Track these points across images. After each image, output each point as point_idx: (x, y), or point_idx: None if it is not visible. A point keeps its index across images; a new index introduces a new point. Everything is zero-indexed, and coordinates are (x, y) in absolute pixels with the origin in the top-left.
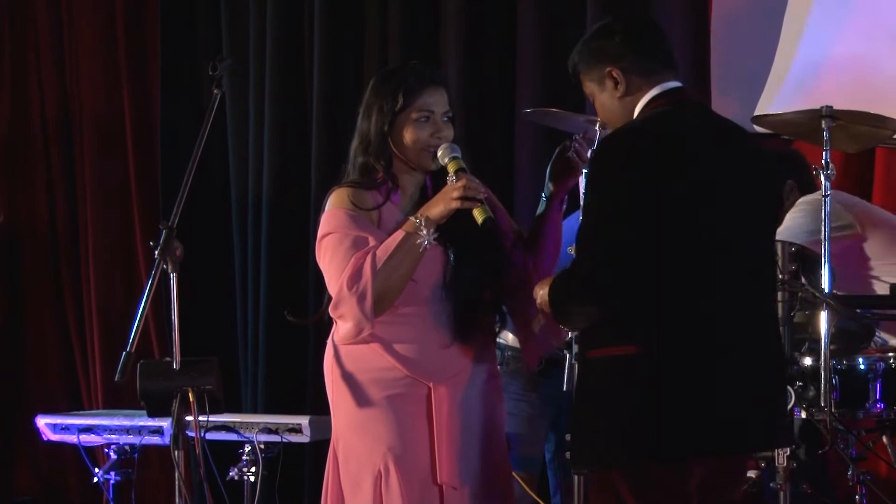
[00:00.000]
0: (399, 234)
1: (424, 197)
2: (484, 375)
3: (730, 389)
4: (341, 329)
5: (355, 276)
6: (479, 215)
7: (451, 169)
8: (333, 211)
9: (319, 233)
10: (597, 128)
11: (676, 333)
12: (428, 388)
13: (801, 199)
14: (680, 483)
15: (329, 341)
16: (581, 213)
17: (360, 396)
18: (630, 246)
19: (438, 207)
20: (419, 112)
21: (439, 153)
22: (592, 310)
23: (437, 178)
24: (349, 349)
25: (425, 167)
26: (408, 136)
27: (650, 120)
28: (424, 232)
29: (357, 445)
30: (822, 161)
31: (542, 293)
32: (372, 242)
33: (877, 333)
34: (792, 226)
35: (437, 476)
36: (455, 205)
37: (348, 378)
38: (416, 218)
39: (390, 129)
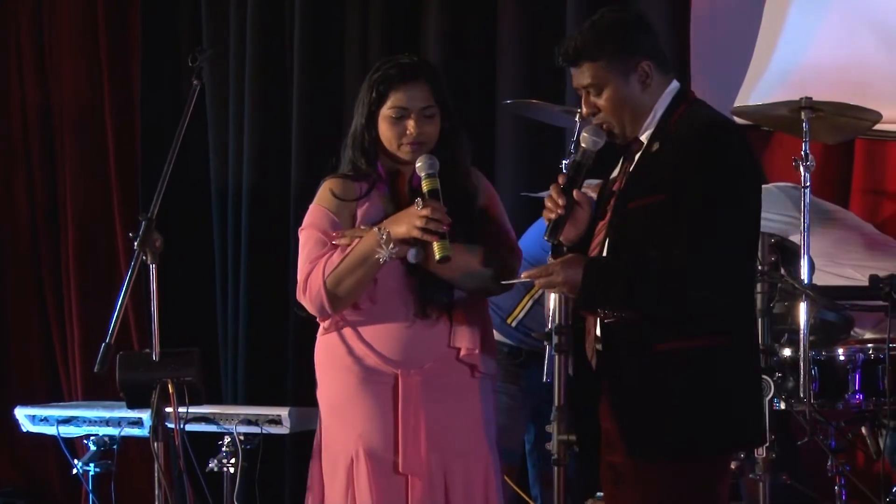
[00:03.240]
0: (358, 243)
1: (412, 189)
2: (465, 370)
3: None
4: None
5: (311, 281)
6: (437, 251)
7: (423, 187)
8: (313, 206)
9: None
10: (576, 119)
11: (752, 325)
12: (396, 376)
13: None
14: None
15: (320, 330)
16: (695, 197)
17: (336, 383)
18: (756, 244)
19: (402, 228)
20: (391, 109)
21: (417, 164)
22: (708, 300)
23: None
24: (328, 337)
25: (403, 162)
26: (382, 131)
27: (720, 117)
28: (385, 248)
29: (334, 431)
30: (802, 152)
31: (569, 274)
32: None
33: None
34: None
35: (398, 465)
36: (415, 233)
37: (328, 365)
38: (380, 231)
39: (369, 123)
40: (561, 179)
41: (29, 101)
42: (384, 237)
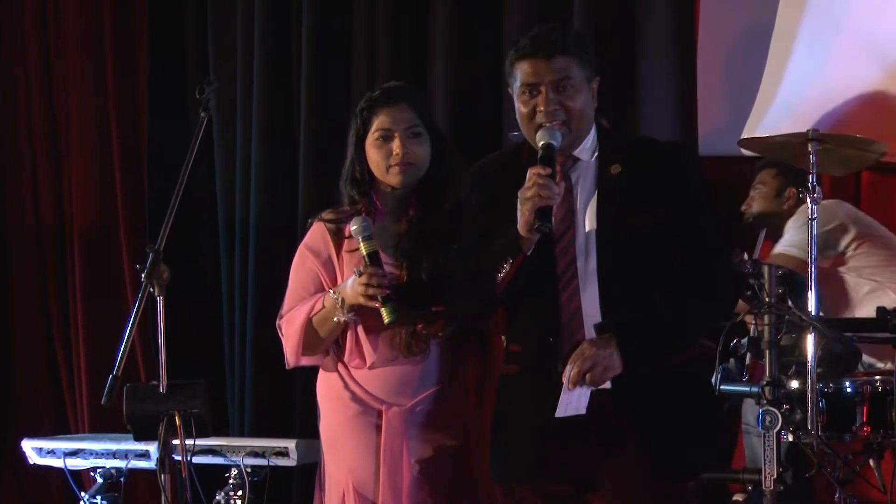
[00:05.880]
0: (320, 303)
1: (406, 213)
2: (457, 406)
3: None
4: None
5: (288, 321)
6: (384, 315)
7: (362, 251)
8: (301, 245)
9: None
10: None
11: None
12: (381, 412)
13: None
14: None
15: None
16: (695, 206)
17: (331, 415)
18: None
19: (350, 294)
20: (376, 132)
21: (352, 227)
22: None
23: (423, 192)
24: (324, 371)
25: (394, 185)
26: (371, 158)
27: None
28: (341, 311)
29: (330, 463)
30: (809, 184)
31: (608, 363)
32: (312, 289)
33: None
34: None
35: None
36: (361, 300)
37: (325, 397)
38: (335, 296)
39: (358, 153)
40: (542, 169)
41: (36, 132)
42: (339, 302)
